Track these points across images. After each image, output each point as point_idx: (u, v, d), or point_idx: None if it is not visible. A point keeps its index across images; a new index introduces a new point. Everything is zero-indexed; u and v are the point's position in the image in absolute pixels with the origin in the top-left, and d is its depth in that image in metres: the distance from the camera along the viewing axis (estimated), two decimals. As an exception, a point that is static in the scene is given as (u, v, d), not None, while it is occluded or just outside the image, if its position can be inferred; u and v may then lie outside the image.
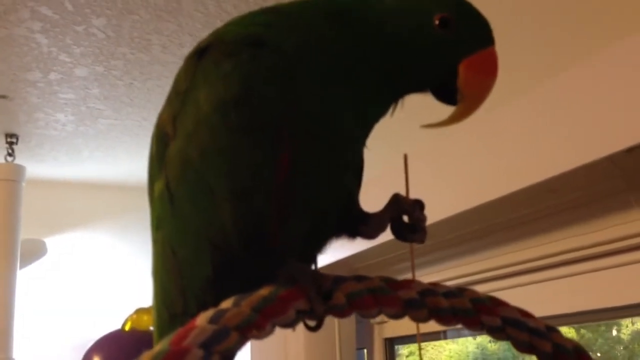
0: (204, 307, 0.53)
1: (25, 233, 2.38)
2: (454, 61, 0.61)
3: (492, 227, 1.56)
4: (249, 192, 0.57)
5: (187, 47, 1.71)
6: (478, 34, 0.62)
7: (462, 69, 0.61)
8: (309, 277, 0.56)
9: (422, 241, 0.67)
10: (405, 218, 0.68)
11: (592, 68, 1.14)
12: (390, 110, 0.65)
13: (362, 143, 0.66)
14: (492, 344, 2.96)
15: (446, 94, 0.64)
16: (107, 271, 3.08)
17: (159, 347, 0.49)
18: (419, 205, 0.67)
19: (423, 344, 2.40)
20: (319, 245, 0.67)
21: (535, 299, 1.52)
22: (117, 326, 2.25)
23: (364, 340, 2.33)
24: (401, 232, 0.67)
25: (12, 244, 2.31)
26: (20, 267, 2.37)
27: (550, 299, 1.47)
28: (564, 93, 1.19)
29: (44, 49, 1.72)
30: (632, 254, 1.29)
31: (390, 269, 2.01)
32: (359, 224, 0.68)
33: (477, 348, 3.02)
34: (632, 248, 1.29)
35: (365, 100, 0.62)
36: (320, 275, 0.57)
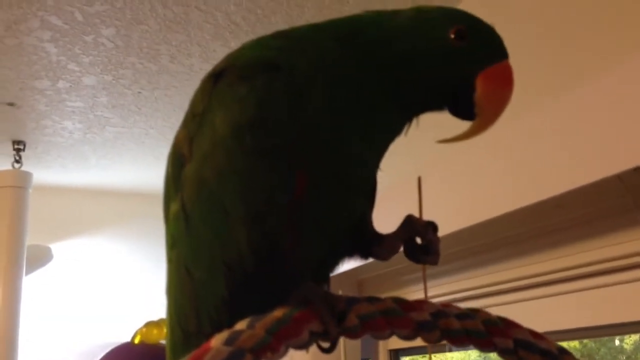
0: (218, 327, 0.54)
1: (31, 239, 2.39)
2: (470, 73, 0.61)
3: (499, 241, 1.56)
4: (264, 214, 0.57)
5: (196, 57, 1.72)
6: (492, 47, 0.63)
7: (479, 81, 0.61)
8: (323, 298, 0.56)
9: (435, 263, 0.67)
10: (419, 240, 0.68)
11: (602, 86, 1.14)
12: (405, 130, 0.65)
13: (375, 165, 0.66)
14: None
15: (461, 110, 0.64)
16: (112, 278, 3.08)
17: (174, 368, 0.50)
18: (432, 227, 0.67)
19: (423, 354, 2.40)
20: (331, 266, 0.68)
21: (541, 313, 1.52)
22: (121, 332, 2.25)
23: (369, 351, 2.32)
24: (414, 254, 0.67)
25: (19, 250, 2.31)
26: (26, 273, 2.37)
27: (556, 314, 1.47)
28: (574, 111, 1.19)
29: (53, 58, 1.73)
30: (637, 272, 1.29)
31: (396, 281, 2.01)
32: (372, 245, 0.68)
33: (480, 356, 3.01)
34: (637, 265, 1.28)
35: (378, 121, 0.62)
36: (333, 297, 0.57)
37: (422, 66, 0.62)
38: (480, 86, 0.61)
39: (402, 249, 0.68)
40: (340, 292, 0.60)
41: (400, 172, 1.20)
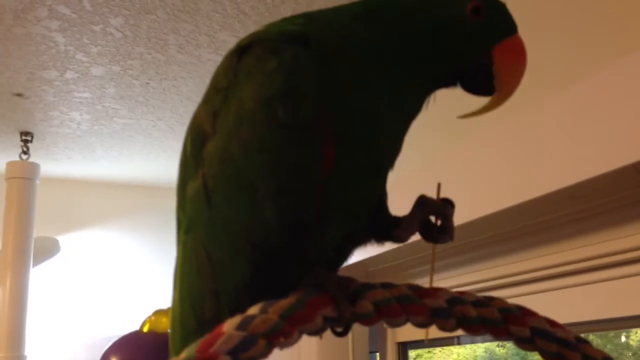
0: (237, 313, 0.53)
1: (38, 231, 2.39)
2: (485, 47, 0.63)
3: (509, 233, 1.55)
4: (293, 189, 0.56)
5: (204, 47, 1.71)
6: (505, 22, 0.64)
7: (497, 54, 0.63)
8: (337, 283, 0.55)
9: (450, 240, 0.67)
10: (433, 218, 0.67)
11: (619, 73, 1.13)
12: (425, 105, 0.66)
13: (400, 142, 0.66)
14: (500, 347, 2.94)
15: (475, 84, 0.65)
16: (119, 270, 3.08)
17: (185, 353, 0.49)
18: (449, 203, 0.67)
19: (431, 348, 2.39)
20: (346, 252, 0.67)
21: (556, 305, 1.50)
22: (128, 324, 2.25)
23: (376, 343, 2.32)
24: (431, 234, 0.67)
25: (26, 242, 2.31)
26: (33, 265, 2.38)
27: (571, 306, 1.45)
28: (589, 99, 1.18)
29: (61, 48, 1.72)
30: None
31: (403, 274, 2.00)
32: (391, 228, 0.68)
33: (485, 352, 3.01)
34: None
35: (403, 96, 0.62)
36: (347, 281, 0.56)
37: (440, 41, 0.63)
38: (499, 59, 0.63)
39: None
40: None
41: (408, 163, 1.18)
